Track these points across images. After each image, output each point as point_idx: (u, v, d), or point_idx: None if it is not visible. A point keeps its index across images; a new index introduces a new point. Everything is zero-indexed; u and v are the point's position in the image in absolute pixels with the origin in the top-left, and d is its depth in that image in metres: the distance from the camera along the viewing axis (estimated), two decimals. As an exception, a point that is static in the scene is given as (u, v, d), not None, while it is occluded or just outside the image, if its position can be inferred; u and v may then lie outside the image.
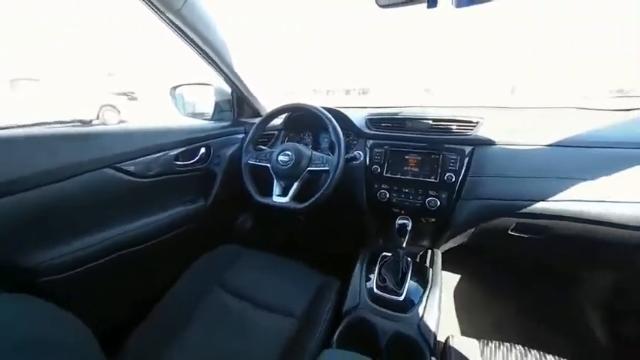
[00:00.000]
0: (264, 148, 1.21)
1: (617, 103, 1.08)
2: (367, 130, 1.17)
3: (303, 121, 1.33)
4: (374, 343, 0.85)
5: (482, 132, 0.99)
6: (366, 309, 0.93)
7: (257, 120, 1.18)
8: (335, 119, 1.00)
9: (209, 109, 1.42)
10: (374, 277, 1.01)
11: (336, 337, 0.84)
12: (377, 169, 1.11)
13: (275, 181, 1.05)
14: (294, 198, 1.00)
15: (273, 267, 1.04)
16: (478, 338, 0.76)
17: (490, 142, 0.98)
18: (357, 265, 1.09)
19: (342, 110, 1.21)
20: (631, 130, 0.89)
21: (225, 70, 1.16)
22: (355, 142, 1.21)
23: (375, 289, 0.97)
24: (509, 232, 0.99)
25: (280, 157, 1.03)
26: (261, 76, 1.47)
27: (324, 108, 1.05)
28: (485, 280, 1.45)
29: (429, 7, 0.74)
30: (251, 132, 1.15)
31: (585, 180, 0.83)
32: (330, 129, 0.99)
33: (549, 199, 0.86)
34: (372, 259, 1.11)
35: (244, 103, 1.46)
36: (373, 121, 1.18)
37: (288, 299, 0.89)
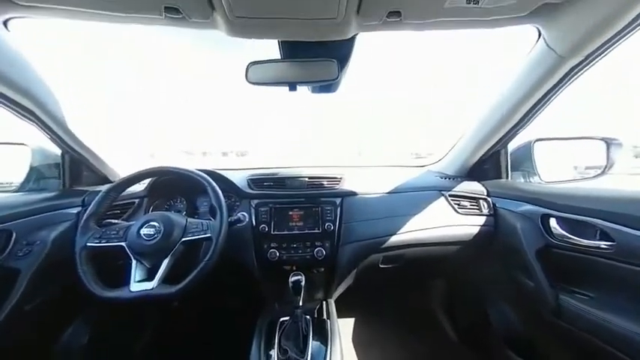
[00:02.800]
0: (115, 222, 0.93)
1: (416, 161, 1.65)
2: (250, 191, 1.16)
3: (174, 186, 1.16)
4: None
5: (346, 186, 1.21)
6: None
7: (104, 187, 0.93)
8: (214, 181, 0.94)
9: (17, 177, 1.00)
10: (274, 352, 0.89)
11: None
12: (264, 228, 1.09)
13: (134, 263, 0.81)
14: (164, 280, 0.80)
15: None
16: None
17: (353, 194, 1.20)
18: (254, 344, 0.94)
19: (220, 172, 1.16)
20: (424, 179, 1.35)
21: (54, 127, 0.90)
22: (238, 204, 1.16)
23: None
24: (380, 265, 1.19)
25: (143, 231, 0.82)
26: (116, 135, 1.22)
27: (200, 170, 0.97)
28: (371, 312, 1.67)
29: (290, 90, 0.92)
30: (94, 202, 0.88)
31: (413, 215, 1.16)
32: (210, 191, 0.91)
33: (398, 232, 1.13)
34: (269, 329, 0.99)
35: (82, 167, 1.13)
36: (256, 181, 1.20)
37: None
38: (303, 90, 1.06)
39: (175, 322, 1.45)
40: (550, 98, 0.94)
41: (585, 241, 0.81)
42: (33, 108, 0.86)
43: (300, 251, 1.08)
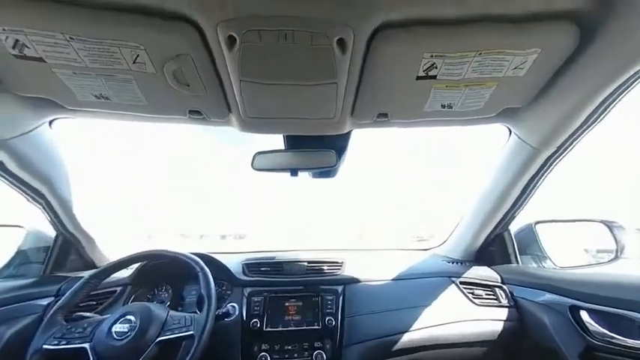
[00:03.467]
0: (87, 315, 0.82)
1: (419, 244, 1.59)
2: (244, 277, 1.07)
3: (161, 273, 1.08)
4: None
5: (347, 271, 1.13)
6: None
7: (86, 273, 0.86)
8: (207, 265, 0.88)
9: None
10: None
11: None
12: (256, 323, 0.95)
13: None
14: None
15: None
16: None
17: (356, 280, 1.10)
18: None
19: (214, 256, 1.10)
20: (431, 263, 1.27)
21: (57, 209, 0.91)
22: (229, 293, 1.05)
23: None
24: None
25: (116, 327, 0.71)
26: (113, 217, 1.22)
27: (194, 254, 0.92)
28: None
29: (291, 175, 0.98)
30: (69, 292, 0.80)
31: (424, 306, 1.03)
32: (201, 277, 0.84)
33: (410, 329, 0.97)
34: None
35: (72, 250, 1.08)
36: (251, 266, 1.12)
37: None
38: (303, 175, 1.13)
39: None
40: (534, 186, 0.97)
41: (633, 342, 0.69)
42: (45, 192, 0.89)
43: (297, 355, 0.91)
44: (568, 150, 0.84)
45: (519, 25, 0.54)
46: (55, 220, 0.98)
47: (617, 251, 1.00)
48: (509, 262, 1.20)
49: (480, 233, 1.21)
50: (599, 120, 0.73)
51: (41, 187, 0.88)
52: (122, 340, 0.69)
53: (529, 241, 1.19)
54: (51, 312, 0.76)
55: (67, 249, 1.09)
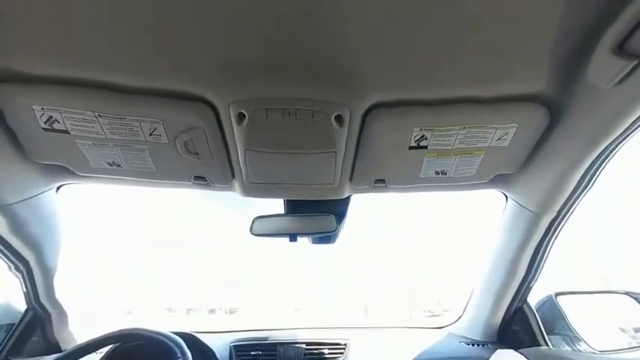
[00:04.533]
0: None
1: (431, 320, 1.41)
2: (231, 365, 0.92)
3: (134, 356, 0.92)
4: None
5: (352, 356, 0.97)
6: None
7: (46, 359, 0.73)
8: (189, 349, 0.76)
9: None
10: None
11: None
12: None
13: None
14: None
15: None
16: None
17: (362, 369, 0.94)
18: None
19: (199, 336, 0.96)
20: (448, 346, 1.13)
21: (38, 281, 0.85)
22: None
23: None
24: None
25: None
26: (92, 288, 1.11)
27: (175, 333, 0.81)
28: None
29: (290, 240, 0.95)
30: None
31: None
32: None
33: None
34: None
35: (36, 330, 0.95)
36: (240, 349, 0.97)
37: None
38: (303, 241, 1.09)
39: None
40: (544, 252, 0.92)
41: None
42: (30, 259, 0.84)
43: None
44: (569, 213, 0.82)
45: (494, 104, 0.61)
46: (32, 292, 0.89)
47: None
48: (537, 343, 1.04)
49: (496, 308, 1.08)
50: (591, 183, 0.74)
51: (28, 255, 0.83)
52: None
53: (554, 317, 1.06)
54: None
55: (32, 327, 0.95)
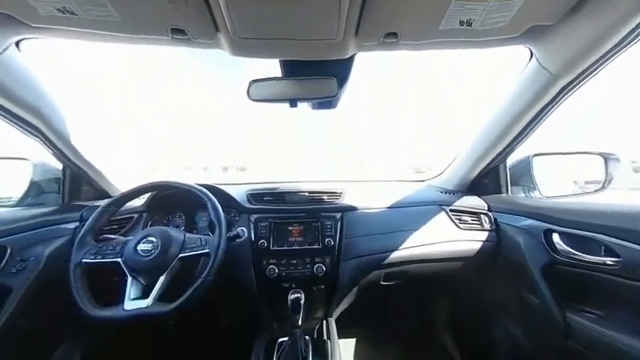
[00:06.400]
0: (113, 237, 0.92)
1: (417, 176, 1.65)
2: (249, 205, 1.16)
3: (173, 201, 1.16)
4: None
5: (346, 200, 1.21)
6: None
7: (103, 202, 0.92)
8: (214, 196, 0.94)
9: (17, 192, 1.00)
10: None
11: None
12: (264, 243, 1.07)
13: (130, 280, 0.79)
14: (160, 298, 0.78)
15: None
16: None
17: (353, 208, 1.19)
18: None
19: (220, 187, 1.16)
20: (425, 193, 1.35)
21: (57, 143, 0.91)
22: (237, 219, 1.15)
23: None
24: (382, 282, 1.16)
25: (141, 247, 0.81)
26: (119, 150, 1.23)
27: (200, 185, 0.97)
28: (372, 332, 1.62)
29: (290, 106, 0.94)
30: (92, 217, 0.88)
31: (414, 230, 1.14)
32: (209, 206, 0.91)
33: (400, 248, 1.11)
34: (267, 350, 0.96)
35: (82, 181, 1.13)
36: (255, 196, 1.19)
37: None
38: (303, 106, 1.08)
39: (170, 344, 1.40)
40: (545, 115, 0.95)
41: (590, 257, 0.80)
42: (39, 125, 0.87)
43: (300, 268, 1.06)
44: (587, 79, 0.79)
45: None
46: (58, 153, 0.99)
47: (604, 182, 1.05)
48: (500, 192, 1.27)
49: (476, 165, 1.24)
50: (626, 47, 0.68)
51: (34, 120, 0.86)
52: (148, 256, 0.80)
53: (523, 173, 1.23)
54: (81, 234, 0.85)
55: (77, 181, 1.14)
